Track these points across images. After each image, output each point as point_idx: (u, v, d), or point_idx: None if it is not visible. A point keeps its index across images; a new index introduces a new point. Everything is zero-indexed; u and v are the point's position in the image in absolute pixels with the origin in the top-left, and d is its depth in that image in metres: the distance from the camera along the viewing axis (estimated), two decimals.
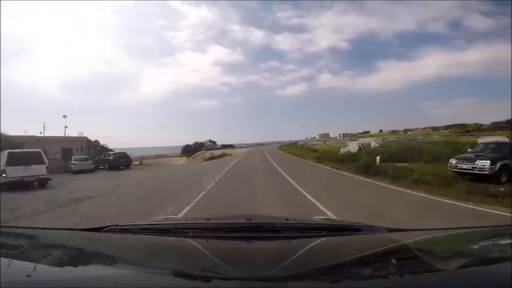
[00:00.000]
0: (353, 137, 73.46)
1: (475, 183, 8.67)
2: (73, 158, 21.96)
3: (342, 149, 26.30)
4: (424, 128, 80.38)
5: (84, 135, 28.72)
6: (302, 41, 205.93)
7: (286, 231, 1.20)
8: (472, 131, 48.51)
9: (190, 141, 65.06)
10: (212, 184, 11.13)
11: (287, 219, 1.34)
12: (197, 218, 1.57)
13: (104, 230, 1.25)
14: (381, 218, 5.19)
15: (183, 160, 41.22)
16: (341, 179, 12.48)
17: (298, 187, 9.57)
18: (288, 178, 12.16)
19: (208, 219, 1.34)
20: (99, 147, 30.22)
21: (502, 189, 7.83)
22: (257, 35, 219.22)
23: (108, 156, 24.43)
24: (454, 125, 70.97)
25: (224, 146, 77.96)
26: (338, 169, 15.60)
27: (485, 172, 9.12)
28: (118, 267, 0.93)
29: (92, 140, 30.61)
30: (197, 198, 8.19)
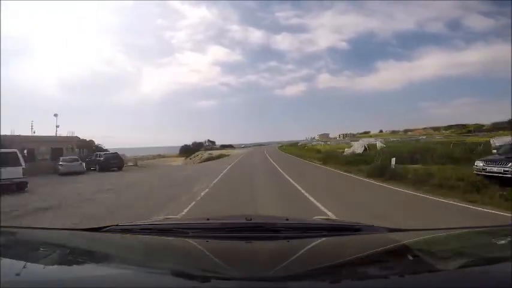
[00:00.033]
0: (353, 137, 73.47)
1: (503, 187, 7.85)
2: (61, 158, 20.75)
3: (346, 149, 25.35)
4: (425, 128, 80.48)
5: (75, 134, 27.79)
6: (301, 41, 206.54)
7: (286, 231, 1.20)
8: (474, 131, 48.51)
9: (190, 141, 64.98)
10: (206, 191, 9.81)
11: (287, 219, 1.34)
12: (197, 218, 1.58)
13: (104, 230, 1.25)
14: None
15: (180, 161, 40.60)
16: (359, 185, 10.88)
17: (312, 200, 7.75)
18: (297, 186, 10.22)
19: (208, 219, 1.34)
20: (94, 147, 29.16)
21: None
22: (256, 35, 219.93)
23: (99, 157, 23.05)
24: (454, 125, 71.09)
25: (223, 146, 77.50)
26: (349, 172, 14.20)
27: None
28: (118, 267, 0.93)
29: (87, 139, 29.86)
30: (184, 212, 6.85)
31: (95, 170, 22.27)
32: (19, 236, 1.35)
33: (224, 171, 17.13)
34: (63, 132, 27.36)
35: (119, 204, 8.49)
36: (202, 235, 1.19)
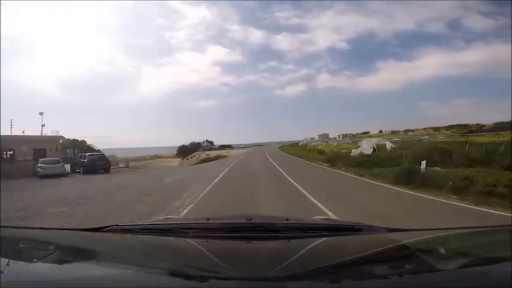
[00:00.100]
0: (352, 137, 73.37)
1: None
2: (40, 160, 19.12)
3: (353, 150, 23.34)
4: (425, 128, 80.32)
5: (60, 134, 26.59)
6: (301, 41, 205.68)
7: (286, 231, 1.20)
8: (476, 131, 48.46)
9: (190, 142, 63.87)
10: (198, 201, 8.19)
11: (287, 219, 1.34)
12: (197, 218, 1.58)
13: (104, 230, 1.25)
14: None
15: (176, 162, 39.29)
16: (393, 197, 8.44)
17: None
18: (316, 202, 7.58)
19: (208, 219, 1.34)
20: (86, 148, 28.06)
21: None
22: (256, 35, 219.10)
23: (83, 158, 21.18)
24: (456, 125, 70.95)
25: (222, 147, 76.68)
26: (363, 176, 12.34)
27: None
28: (118, 267, 0.93)
29: (79, 139, 29.32)
30: None
31: (80, 172, 20.60)
32: (19, 236, 1.35)
33: (220, 176, 14.65)
34: (49, 131, 26.49)
35: (83, 219, 6.33)
36: (202, 235, 1.19)
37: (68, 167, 20.92)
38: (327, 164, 19.35)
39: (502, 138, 21.55)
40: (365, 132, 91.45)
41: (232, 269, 0.90)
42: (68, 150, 27.66)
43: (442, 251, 1.07)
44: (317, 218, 1.68)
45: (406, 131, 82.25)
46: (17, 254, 1.03)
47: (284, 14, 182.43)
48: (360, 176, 12.79)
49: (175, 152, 56.11)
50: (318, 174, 15.55)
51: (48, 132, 26.57)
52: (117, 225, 1.31)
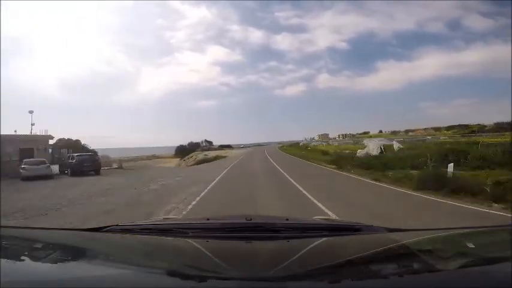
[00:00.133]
0: (352, 137, 73.36)
1: None
2: (24, 161, 17.99)
3: (359, 151, 22.09)
4: (425, 128, 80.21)
5: (49, 133, 25.43)
6: (301, 41, 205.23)
7: (286, 231, 1.20)
8: (477, 132, 48.33)
9: (189, 142, 63.02)
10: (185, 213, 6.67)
11: (287, 219, 1.33)
12: (197, 218, 1.58)
13: (104, 230, 1.25)
14: None
15: (174, 162, 38.62)
16: (433, 209, 6.74)
17: None
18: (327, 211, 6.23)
19: (208, 219, 1.34)
20: (81, 148, 27.33)
21: None
22: (256, 35, 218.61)
23: (71, 159, 19.89)
24: (457, 125, 70.76)
25: (222, 147, 75.43)
26: (380, 181, 10.93)
27: None
28: (118, 267, 0.93)
29: (74, 139, 28.73)
30: None
31: (67, 174, 19.36)
32: (19, 236, 1.35)
33: (216, 180, 13.15)
34: (38, 131, 25.13)
35: None
36: (202, 235, 1.19)
37: (56, 167, 20.22)
38: (333, 166, 17.78)
39: (505, 139, 21.24)
40: (365, 133, 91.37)
41: (232, 269, 0.90)
42: (63, 150, 26.79)
43: (442, 251, 1.07)
44: (317, 218, 1.68)
45: (407, 131, 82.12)
46: (17, 254, 1.03)
47: (284, 14, 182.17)
48: (375, 180, 11.34)
49: (173, 151, 55.84)
50: (325, 177, 13.60)
51: (37, 131, 25.26)
52: (117, 225, 1.31)
